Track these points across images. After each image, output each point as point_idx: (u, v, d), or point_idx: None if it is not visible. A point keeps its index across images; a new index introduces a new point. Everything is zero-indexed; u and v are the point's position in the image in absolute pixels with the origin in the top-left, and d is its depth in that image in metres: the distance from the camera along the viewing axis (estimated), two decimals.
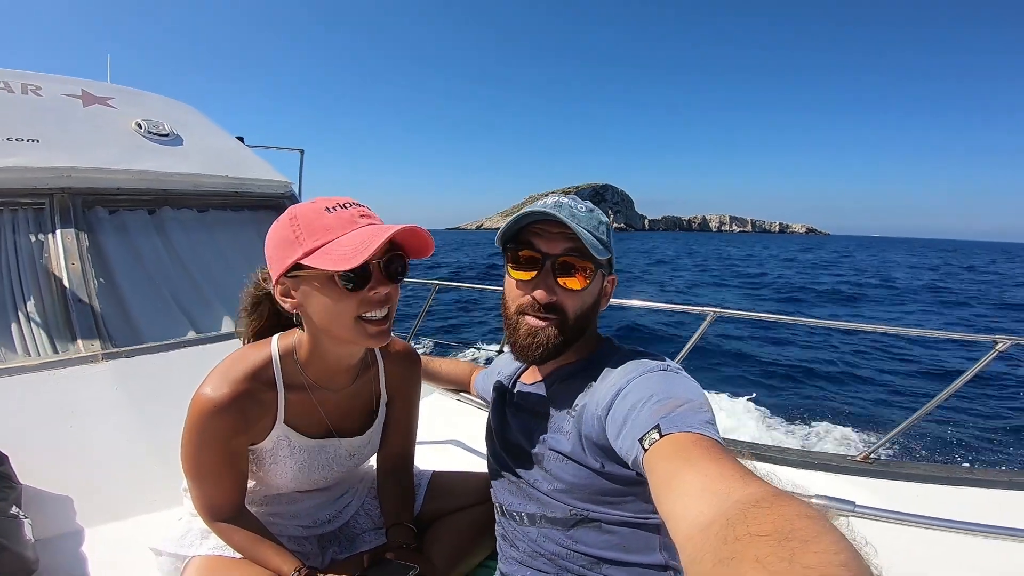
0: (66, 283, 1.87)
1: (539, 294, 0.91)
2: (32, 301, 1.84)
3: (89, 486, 1.49)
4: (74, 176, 2.09)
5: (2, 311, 1.82)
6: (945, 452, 5.63)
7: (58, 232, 1.97)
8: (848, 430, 6.15)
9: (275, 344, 1.01)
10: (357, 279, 0.87)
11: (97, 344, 1.79)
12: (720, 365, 9.21)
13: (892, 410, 7.09)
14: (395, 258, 0.92)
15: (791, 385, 8.35)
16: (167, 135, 2.53)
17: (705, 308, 2.15)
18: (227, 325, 2.15)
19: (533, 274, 0.92)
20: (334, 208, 0.89)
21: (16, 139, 2.07)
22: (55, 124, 2.28)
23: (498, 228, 0.99)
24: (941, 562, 1.35)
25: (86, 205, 2.11)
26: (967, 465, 1.83)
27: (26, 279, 1.88)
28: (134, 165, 2.26)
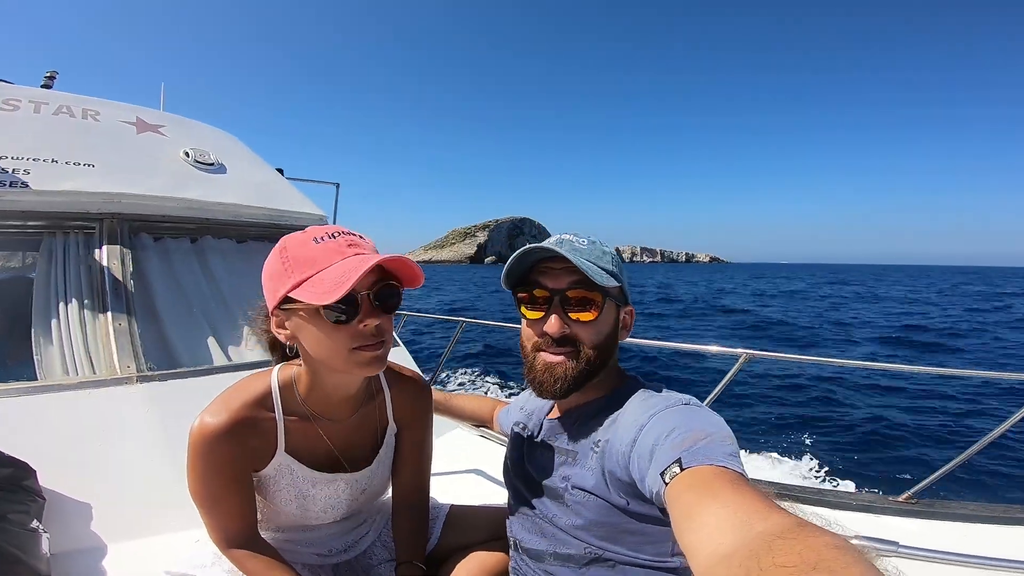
0: (109, 306, 1.93)
1: (551, 329, 0.94)
2: (74, 321, 1.89)
3: (111, 504, 1.50)
4: (124, 202, 2.18)
5: (45, 330, 1.87)
6: (991, 493, 5.40)
7: (105, 256, 2.04)
8: (889, 470, 5.98)
9: (275, 373, 1.02)
10: (346, 312, 0.87)
11: (133, 366, 1.82)
12: (750, 408, 8.98)
13: (935, 450, 6.87)
14: (386, 288, 0.92)
15: (827, 428, 8.13)
16: (212, 164, 2.63)
17: (736, 350, 2.12)
18: (258, 354, 2.18)
19: (543, 312, 0.95)
20: (322, 238, 0.90)
21: (74, 163, 2.17)
22: (110, 150, 2.38)
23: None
24: None
25: (133, 231, 2.19)
26: (1017, 504, 1.75)
27: (71, 300, 1.93)
28: (181, 193, 2.35)
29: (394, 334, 2.72)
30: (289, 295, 0.87)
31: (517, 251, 0.94)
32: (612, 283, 0.93)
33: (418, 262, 1.01)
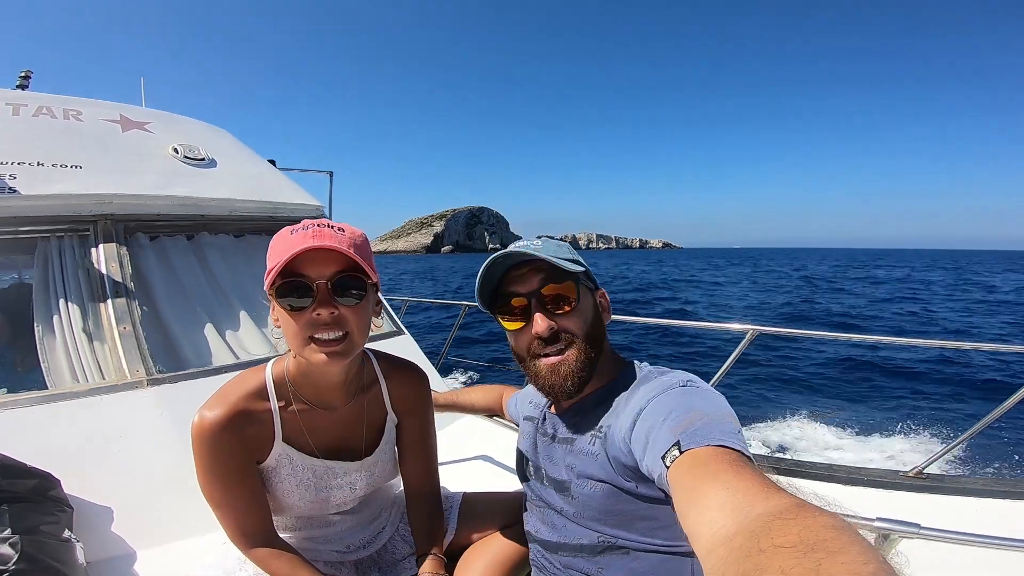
0: (111, 310, 1.91)
1: (539, 329, 0.94)
2: (79, 328, 1.88)
3: (138, 509, 1.52)
4: (116, 203, 2.14)
5: (49, 337, 1.86)
6: (1002, 466, 5.46)
7: (102, 259, 2.01)
8: (898, 445, 6.06)
9: (269, 366, 1.05)
10: (298, 299, 0.89)
11: (142, 370, 1.82)
12: (760, 385, 9.10)
13: (944, 425, 6.93)
14: (346, 278, 0.92)
15: (834, 402, 8.24)
16: (202, 159, 2.58)
17: (744, 326, 2.12)
18: (266, 349, 2.17)
19: (525, 318, 0.97)
20: (296, 230, 0.92)
21: (61, 165, 2.12)
22: (96, 150, 2.33)
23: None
24: None
25: (128, 232, 2.15)
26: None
27: (72, 305, 1.91)
28: (173, 191, 2.30)
29: (399, 322, 2.71)
30: (270, 284, 0.91)
31: (482, 266, 0.96)
32: (579, 268, 0.96)
33: (374, 253, 1.02)
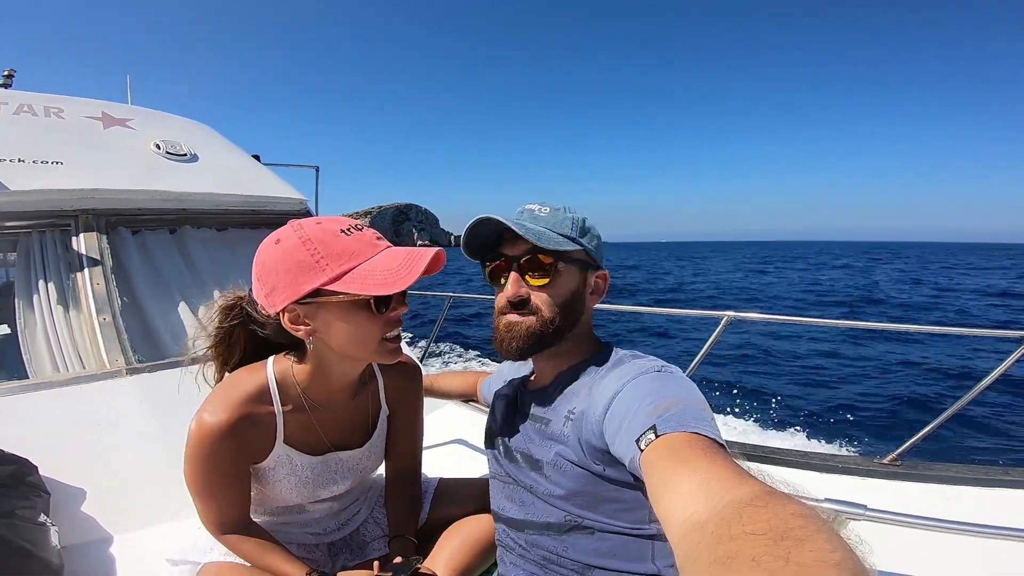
0: (92, 302, 1.93)
1: (508, 291, 0.97)
2: (61, 319, 1.90)
3: (114, 495, 1.53)
4: (97, 197, 2.16)
5: (33, 329, 1.88)
6: (974, 455, 5.50)
7: (83, 252, 2.03)
8: (869, 433, 6.08)
9: (270, 367, 1.01)
10: (386, 301, 0.91)
11: (121, 360, 1.84)
12: (735, 370, 9.11)
13: (917, 412, 6.99)
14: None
15: (809, 390, 8.26)
16: (184, 155, 2.60)
17: (720, 312, 2.12)
18: None
19: (504, 282, 0.99)
20: (349, 230, 0.89)
21: (42, 161, 2.14)
22: (77, 146, 2.35)
23: None
24: (958, 564, 1.32)
25: (109, 226, 2.17)
26: (1000, 465, 1.75)
27: (55, 298, 1.94)
28: (154, 185, 2.32)
29: None
30: (322, 287, 0.86)
31: (469, 223, 0.98)
32: (568, 246, 0.96)
33: None
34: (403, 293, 0.95)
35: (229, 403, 0.95)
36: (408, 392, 1.22)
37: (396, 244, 0.95)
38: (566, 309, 0.98)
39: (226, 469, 0.97)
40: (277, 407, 1.00)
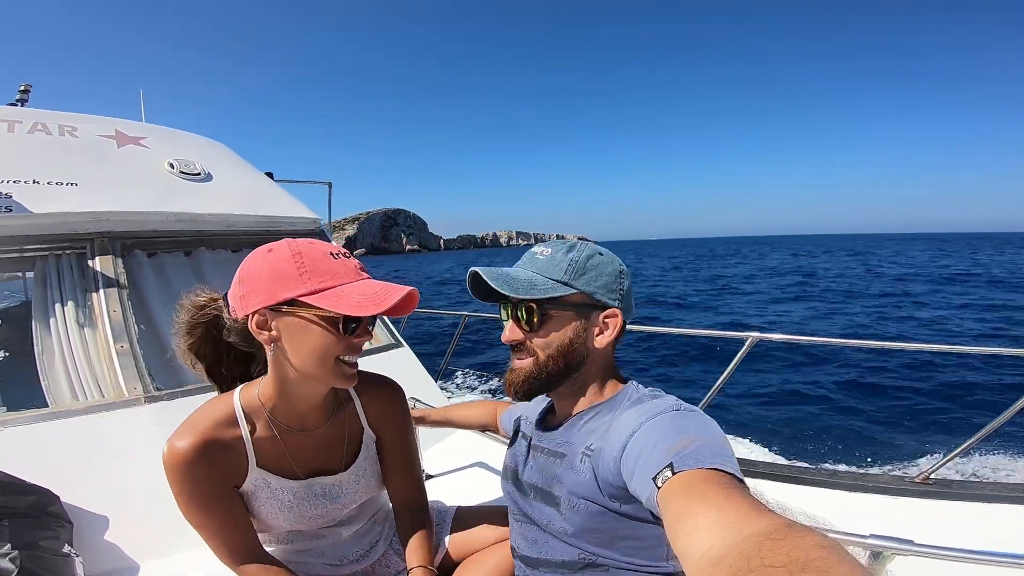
0: (109, 328, 1.92)
1: (504, 336, 1.01)
2: (76, 345, 1.89)
3: (137, 523, 1.53)
4: (112, 220, 2.15)
5: (48, 355, 1.87)
6: (1010, 471, 5.36)
7: (99, 277, 2.02)
8: (905, 451, 6.01)
9: (237, 393, 1.04)
10: (354, 325, 0.95)
11: (139, 388, 1.83)
12: (758, 393, 9.01)
13: (949, 432, 6.81)
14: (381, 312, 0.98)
15: (837, 409, 8.17)
16: (198, 174, 2.58)
17: (744, 333, 2.11)
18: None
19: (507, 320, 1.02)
20: (337, 255, 0.95)
21: (56, 183, 2.13)
22: (91, 166, 2.33)
23: None
24: None
25: (125, 249, 2.16)
26: None
27: (70, 323, 1.93)
28: (169, 207, 2.31)
29: (397, 334, 2.70)
30: (298, 298, 0.90)
31: (467, 275, 1.01)
32: (560, 291, 0.96)
33: None
34: (370, 322, 0.99)
35: (196, 428, 0.97)
36: (390, 413, 1.20)
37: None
38: (563, 352, 0.98)
39: (205, 493, 0.97)
40: (244, 431, 1.01)
